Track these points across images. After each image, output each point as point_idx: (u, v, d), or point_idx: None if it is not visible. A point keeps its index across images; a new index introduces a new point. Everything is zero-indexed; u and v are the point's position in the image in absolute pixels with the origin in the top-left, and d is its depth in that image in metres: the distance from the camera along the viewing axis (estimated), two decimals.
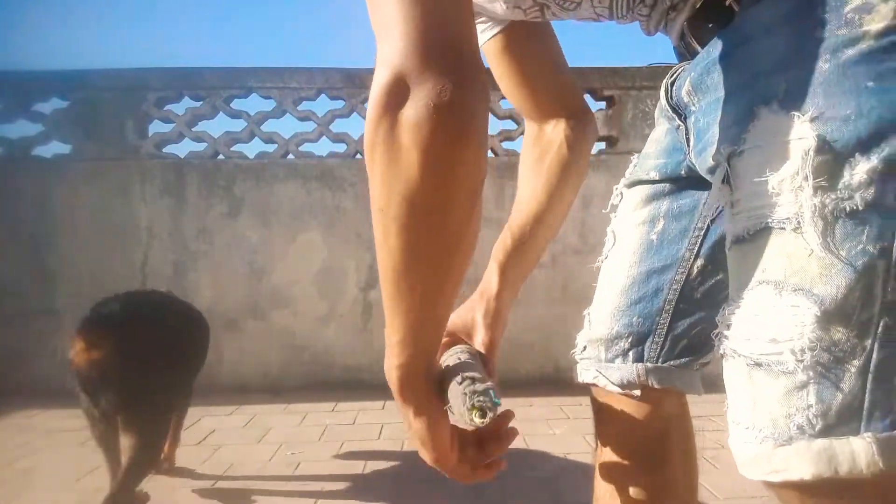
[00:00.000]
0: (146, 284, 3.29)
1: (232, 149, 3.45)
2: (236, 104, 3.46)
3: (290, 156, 3.45)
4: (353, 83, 3.41)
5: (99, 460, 2.22)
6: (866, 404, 0.43)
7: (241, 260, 3.32)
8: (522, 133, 3.58)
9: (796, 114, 0.46)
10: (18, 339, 3.22)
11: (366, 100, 3.41)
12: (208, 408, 2.88)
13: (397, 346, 0.67)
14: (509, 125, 3.50)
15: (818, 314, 0.44)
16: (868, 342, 0.43)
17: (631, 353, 0.77)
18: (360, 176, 3.36)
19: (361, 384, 3.22)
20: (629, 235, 0.78)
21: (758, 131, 0.49)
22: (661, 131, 0.76)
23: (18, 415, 2.82)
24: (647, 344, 0.76)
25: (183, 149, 3.49)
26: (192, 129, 3.46)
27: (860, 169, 0.43)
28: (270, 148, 3.47)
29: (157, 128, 3.47)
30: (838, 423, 0.43)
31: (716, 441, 2.28)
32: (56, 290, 3.26)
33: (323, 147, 3.51)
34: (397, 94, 0.45)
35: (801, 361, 0.44)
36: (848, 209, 0.43)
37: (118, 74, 3.40)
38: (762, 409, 0.47)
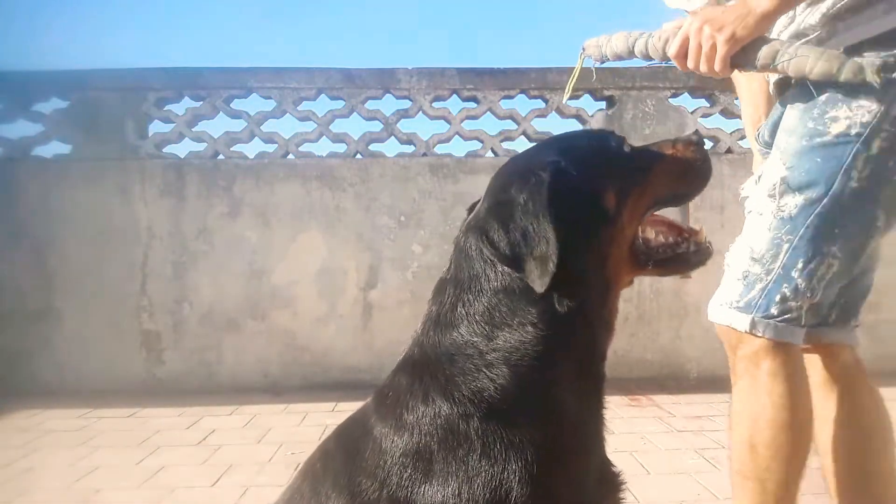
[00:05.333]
0: (146, 284, 3.29)
1: (232, 149, 3.45)
2: (236, 104, 3.46)
3: (290, 156, 3.45)
4: (353, 83, 3.41)
5: (99, 460, 2.23)
6: (757, 303, 1.01)
7: (241, 260, 3.32)
8: (523, 133, 3.59)
9: (782, 163, 1.02)
10: (18, 339, 3.22)
11: (366, 100, 3.43)
12: (208, 408, 2.89)
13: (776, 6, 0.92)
14: (509, 125, 3.49)
15: (751, 254, 1.04)
16: (768, 276, 1.01)
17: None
18: (360, 176, 3.36)
19: (361, 384, 3.21)
20: None
21: (768, 163, 1.09)
22: None
23: (18, 415, 2.82)
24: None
25: (183, 149, 3.50)
26: (192, 129, 3.46)
27: (793, 200, 1.00)
28: (270, 148, 3.47)
29: (157, 128, 3.47)
30: (746, 307, 1.02)
31: (716, 441, 2.28)
32: (56, 290, 3.26)
33: (323, 147, 3.51)
34: None
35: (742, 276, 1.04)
36: (783, 215, 1.01)
37: (118, 74, 3.40)
38: (723, 292, 1.07)
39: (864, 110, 0.93)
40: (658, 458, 2.09)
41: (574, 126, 3.54)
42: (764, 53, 0.93)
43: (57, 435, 2.53)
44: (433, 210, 3.34)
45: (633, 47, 1.08)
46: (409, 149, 3.50)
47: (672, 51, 1.00)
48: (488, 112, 3.49)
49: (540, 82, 3.42)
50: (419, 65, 3.39)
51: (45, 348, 3.23)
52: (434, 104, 3.45)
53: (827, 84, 0.93)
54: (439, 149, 3.47)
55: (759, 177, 1.09)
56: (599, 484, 0.78)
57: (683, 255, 0.91)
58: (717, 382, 3.13)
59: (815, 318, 1.02)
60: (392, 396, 0.77)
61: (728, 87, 3.49)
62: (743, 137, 3.51)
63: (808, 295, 0.98)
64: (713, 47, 0.94)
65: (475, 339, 0.75)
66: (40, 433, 2.56)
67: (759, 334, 1.00)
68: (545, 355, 0.73)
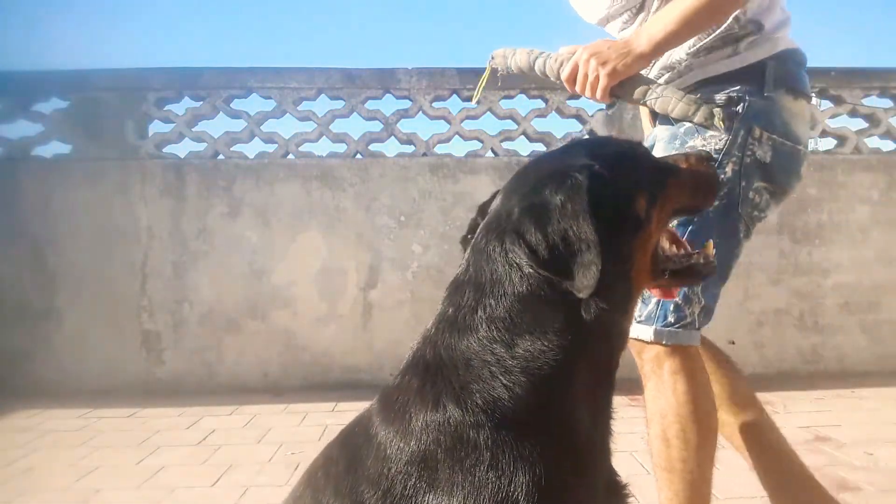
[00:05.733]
0: (146, 284, 3.30)
1: (232, 149, 3.45)
2: (236, 104, 3.46)
3: (290, 156, 3.45)
4: (353, 83, 3.41)
5: (99, 460, 2.23)
6: (655, 315, 1.10)
7: (241, 260, 3.32)
8: (523, 133, 3.58)
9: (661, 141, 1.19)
10: (18, 339, 3.22)
11: (366, 100, 3.43)
12: (208, 408, 2.89)
13: (652, 47, 1.08)
14: (510, 125, 3.49)
15: None
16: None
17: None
18: (360, 176, 3.36)
19: (361, 384, 3.22)
20: None
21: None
22: None
23: (18, 415, 2.82)
24: None
25: (183, 149, 3.50)
26: (192, 129, 3.46)
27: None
28: (270, 148, 3.47)
29: (157, 128, 3.47)
30: (647, 320, 1.11)
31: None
32: (56, 291, 3.26)
33: (323, 147, 3.51)
34: None
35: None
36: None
37: (118, 74, 3.40)
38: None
39: (715, 139, 1.09)
40: None
41: (574, 126, 3.55)
42: (638, 90, 1.10)
43: (57, 435, 2.53)
44: (433, 210, 3.34)
45: (534, 64, 1.20)
46: (409, 149, 3.50)
47: (564, 75, 1.14)
48: (488, 112, 3.49)
49: (540, 82, 3.42)
50: (419, 65, 3.39)
51: (46, 348, 3.23)
52: (434, 104, 3.45)
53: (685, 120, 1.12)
54: (439, 149, 3.47)
55: None
56: (606, 497, 0.77)
57: (696, 267, 0.93)
58: None
59: (707, 318, 1.14)
60: (400, 400, 0.75)
61: None
62: None
63: (696, 300, 1.11)
64: (597, 78, 1.09)
65: (494, 345, 0.72)
66: (40, 433, 2.56)
67: (664, 343, 1.11)
68: (564, 365, 0.72)
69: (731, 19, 1.08)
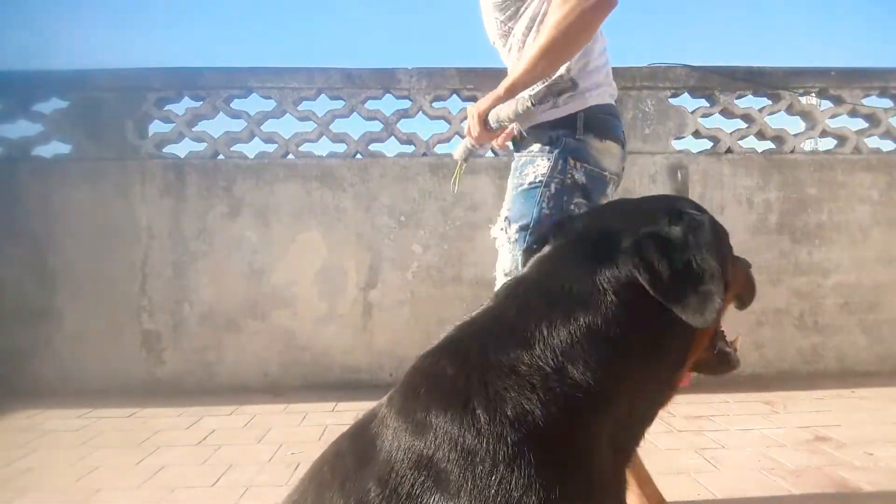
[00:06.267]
0: (146, 284, 3.30)
1: (232, 149, 3.45)
2: (236, 104, 3.46)
3: (290, 156, 3.45)
4: (353, 83, 3.41)
5: (99, 460, 2.23)
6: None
7: (241, 260, 3.32)
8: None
9: (505, 207, 1.50)
10: (19, 339, 3.22)
11: (366, 100, 3.43)
12: (208, 408, 2.89)
13: (506, 90, 1.42)
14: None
15: (503, 271, 1.45)
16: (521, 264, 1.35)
17: None
18: (360, 176, 3.36)
19: (361, 384, 3.22)
20: None
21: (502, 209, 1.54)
22: None
23: (18, 415, 2.83)
24: None
25: (183, 149, 3.50)
26: (192, 129, 3.46)
27: (514, 228, 1.45)
28: (270, 148, 3.47)
29: (157, 128, 3.47)
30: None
31: (716, 441, 2.28)
32: (56, 290, 3.27)
33: (323, 147, 3.51)
34: None
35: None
36: (512, 240, 1.45)
37: (118, 74, 3.40)
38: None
39: (541, 167, 1.43)
40: (658, 458, 2.09)
41: None
42: (491, 112, 1.47)
43: (57, 435, 2.53)
44: (433, 210, 3.34)
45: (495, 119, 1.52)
46: (409, 149, 3.50)
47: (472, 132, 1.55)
48: None
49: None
50: (419, 65, 3.40)
51: (46, 348, 3.23)
52: (434, 104, 3.45)
53: (521, 153, 1.51)
54: (439, 149, 3.47)
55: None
56: None
57: (732, 358, 0.98)
58: (717, 382, 3.13)
59: None
60: (426, 388, 0.72)
61: (728, 87, 3.50)
62: (742, 137, 3.51)
63: None
64: (473, 120, 1.50)
65: (543, 364, 0.70)
66: (40, 433, 2.56)
67: None
68: (610, 402, 0.70)
69: (560, 74, 1.39)
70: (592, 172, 1.43)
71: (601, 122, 1.46)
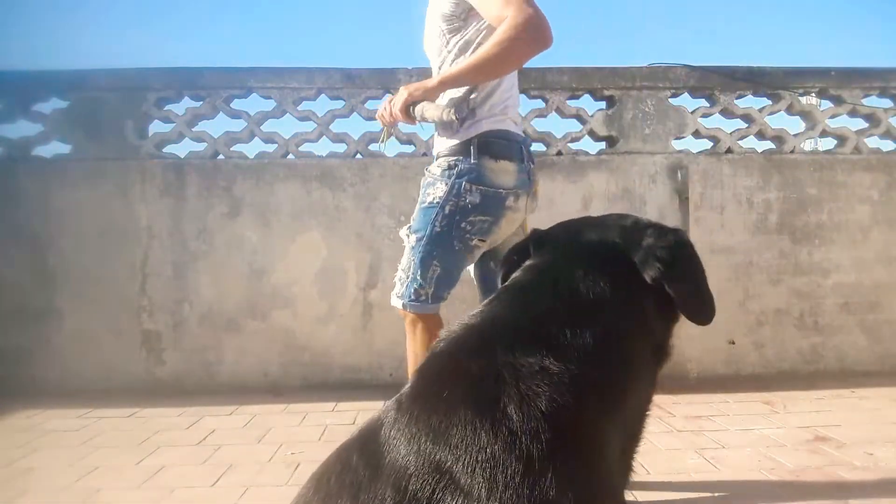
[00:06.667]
0: (146, 284, 3.30)
1: (232, 149, 3.45)
2: (236, 104, 3.46)
3: (290, 156, 3.45)
4: (353, 83, 3.41)
5: (99, 460, 2.23)
6: (406, 290, 1.68)
7: (241, 260, 3.33)
8: (523, 132, 3.57)
9: (412, 217, 1.72)
10: (18, 339, 3.22)
11: (366, 100, 3.43)
12: (208, 408, 2.89)
13: (439, 83, 1.59)
14: None
15: (401, 267, 1.72)
16: (408, 279, 1.68)
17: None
18: (360, 176, 3.36)
19: (361, 384, 3.22)
20: None
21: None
22: None
23: (18, 415, 2.83)
24: None
25: (183, 149, 3.50)
26: (192, 129, 3.46)
27: (414, 237, 1.69)
28: (270, 148, 3.47)
29: (157, 128, 3.47)
30: (401, 297, 1.69)
31: (716, 441, 2.28)
32: (56, 290, 3.27)
33: (323, 147, 3.51)
34: (528, 16, 1.44)
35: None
36: (411, 245, 1.69)
37: (118, 74, 3.40)
38: (394, 289, 1.73)
39: (439, 190, 1.63)
40: (658, 457, 2.09)
41: (574, 126, 3.54)
42: (417, 107, 1.61)
43: (57, 435, 2.53)
44: None
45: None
46: (409, 149, 3.50)
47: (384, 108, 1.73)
48: None
49: (540, 82, 3.42)
50: (419, 65, 3.39)
51: (46, 348, 3.23)
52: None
53: (428, 170, 1.70)
54: None
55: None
56: None
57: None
58: (717, 382, 3.14)
59: (436, 300, 1.68)
60: (450, 391, 0.70)
61: (728, 87, 3.50)
62: (742, 137, 3.52)
63: (427, 288, 1.65)
64: (400, 99, 1.63)
65: (571, 362, 0.71)
66: (40, 433, 2.56)
67: (409, 312, 1.68)
68: (623, 399, 0.76)
69: (472, 97, 1.62)
70: (487, 193, 1.62)
71: (495, 144, 1.64)
